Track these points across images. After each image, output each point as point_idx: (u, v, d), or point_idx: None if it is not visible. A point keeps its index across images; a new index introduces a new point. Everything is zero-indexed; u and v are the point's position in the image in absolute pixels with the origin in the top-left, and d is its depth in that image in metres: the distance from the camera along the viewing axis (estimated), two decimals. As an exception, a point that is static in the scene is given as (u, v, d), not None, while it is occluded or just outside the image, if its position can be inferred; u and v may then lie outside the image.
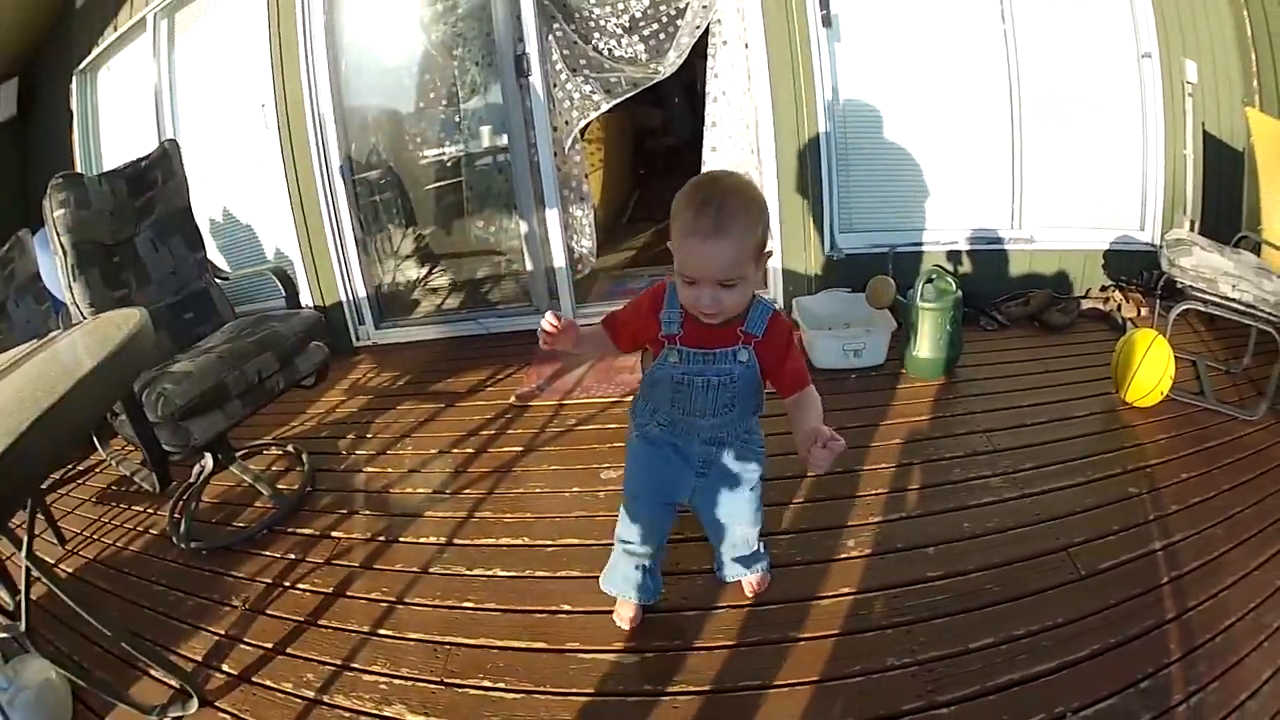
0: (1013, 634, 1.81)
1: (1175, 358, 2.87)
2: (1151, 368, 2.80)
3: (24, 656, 1.99)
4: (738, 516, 1.82)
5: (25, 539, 1.92)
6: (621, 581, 1.92)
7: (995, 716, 1.60)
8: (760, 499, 1.82)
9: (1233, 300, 2.81)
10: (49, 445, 1.33)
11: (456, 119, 4.57)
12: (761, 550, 1.98)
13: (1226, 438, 2.72)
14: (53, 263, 4.08)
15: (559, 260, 4.32)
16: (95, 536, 2.94)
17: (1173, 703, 1.60)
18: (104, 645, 2.16)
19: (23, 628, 2.00)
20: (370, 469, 3.09)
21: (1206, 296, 2.87)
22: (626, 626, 1.93)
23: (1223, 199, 3.99)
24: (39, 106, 5.50)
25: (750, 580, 1.98)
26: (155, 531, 2.88)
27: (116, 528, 2.98)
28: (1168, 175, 4.04)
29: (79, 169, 5.05)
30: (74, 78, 5.13)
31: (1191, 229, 3.77)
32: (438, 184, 4.80)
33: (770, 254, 1.50)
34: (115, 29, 4.89)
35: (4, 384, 1.77)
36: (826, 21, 3.81)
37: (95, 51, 5.02)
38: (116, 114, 5.15)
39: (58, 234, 2.82)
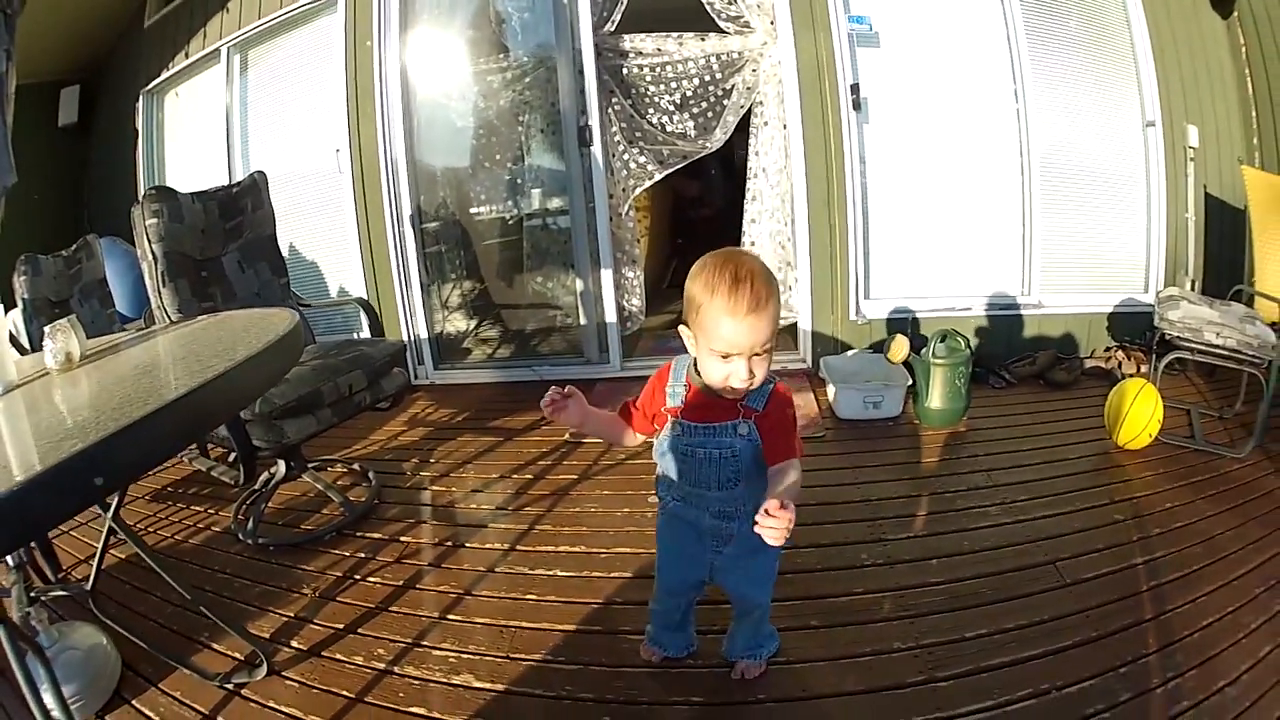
0: (1004, 626, 2.04)
1: (1171, 408, 3.12)
2: (1140, 411, 3.05)
3: (72, 622, 2.08)
4: (751, 587, 1.80)
5: (114, 500, 2.06)
6: (654, 630, 2.00)
7: (987, 691, 1.81)
8: (775, 571, 1.81)
9: (1216, 346, 3.07)
10: (225, 402, 1.40)
11: (519, 181, 4.84)
12: (768, 640, 1.97)
13: (1213, 473, 2.96)
14: (118, 272, 4.36)
15: (610, 316, 4.58)
16: (152, 530, 3.09)
17: (1151, 685, 1.80)
18: (160, 620, 2.32)
19: (89, 587, 2.12)
20: (435, 488, 3.27)
21: (1193, 345, 3.13)
22: (652, 660, 2.00)
23: (1224, 257, 4.23)
24: (99, 118, 5.79)
25: (745, 665, 1.93)
26: (217, 529, 3.04)
27: (175, 524, 3.13)
28: (1170, 239, 4.31)
29: (141, 186, 5.26)
30: (140, 97, 5.42)
31: (1192, 288, 4.02)
32: (499, 239, 5.02)
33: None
34: (187, 55, 5.23)
35: (148, 345, 1.95)
36: (856, 105, 4.16)
37: (165, 75, 5.34)
38: (183, 137, 5.44)
39: (149, 241, 2.97)
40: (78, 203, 5.96)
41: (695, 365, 1.57)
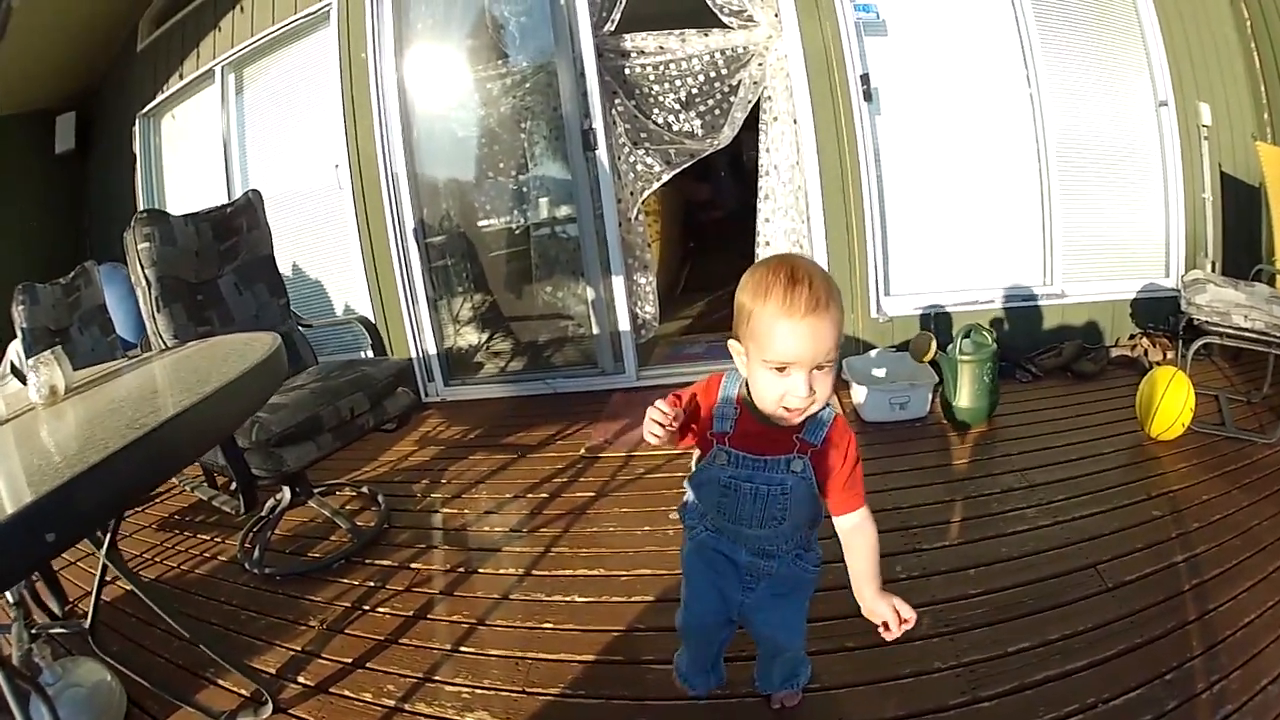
0: (1047, 638, 1.96)
1: (1198, 394, 3.04)
2: (1172, 401, 2.98)
3: (77, 657, 2.06)
4: (782, 632, 1.66)
5: (106, 537, 2.01)
6: (684, 666, 1.86)
7: (1033, 709, 1.74)
8: (806, 615, 1.68)
9: (1246, 330, 3.01)
10: (192, 437, 1.34)
11: (524, 189, 4.79)
12: (802, 666, 1.82)
13: (1246, 461, 2.89)
14: (119, 297, 4.36)
15: (624, 325, 4.51)
16: (158, 560, 3.06)
17: (1197, 690, 1.74)
18: (166, 655, 2.27)
19: (87, 624, 2.08)
20: (446, 510, 3.22)
21: (1222, 329, 3.07)
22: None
23: (1242, 236, 4.17)
24: (97, 143, 5.77)
25: (783, 695, 1.83)
26: (223, 559, 2.99)
27: (180, 553, 3.10)
28: (1188, 220, 4.23)
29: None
30: (137, 121, 5.41)
31: (1212, 269, 3.95)
32: (506, 250, 4.97)
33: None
34: (181, 77, 5.21)
35: (134, 375, 1.91)
36: (867, 96, 4.10)
37: (160, 97, 5.32)
38: (181, 160, 5.43)
39: (141, 266, 2.93)
40: (78, 230, 5.96)
41: (747, 386, 1.41)
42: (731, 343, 1.41)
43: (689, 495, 1.61)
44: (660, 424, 1.36)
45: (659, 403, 1.37)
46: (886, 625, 1.34)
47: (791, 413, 1.34)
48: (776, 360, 1.28)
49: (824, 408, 1.40)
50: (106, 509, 1.19)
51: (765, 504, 1.44)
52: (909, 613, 1.34)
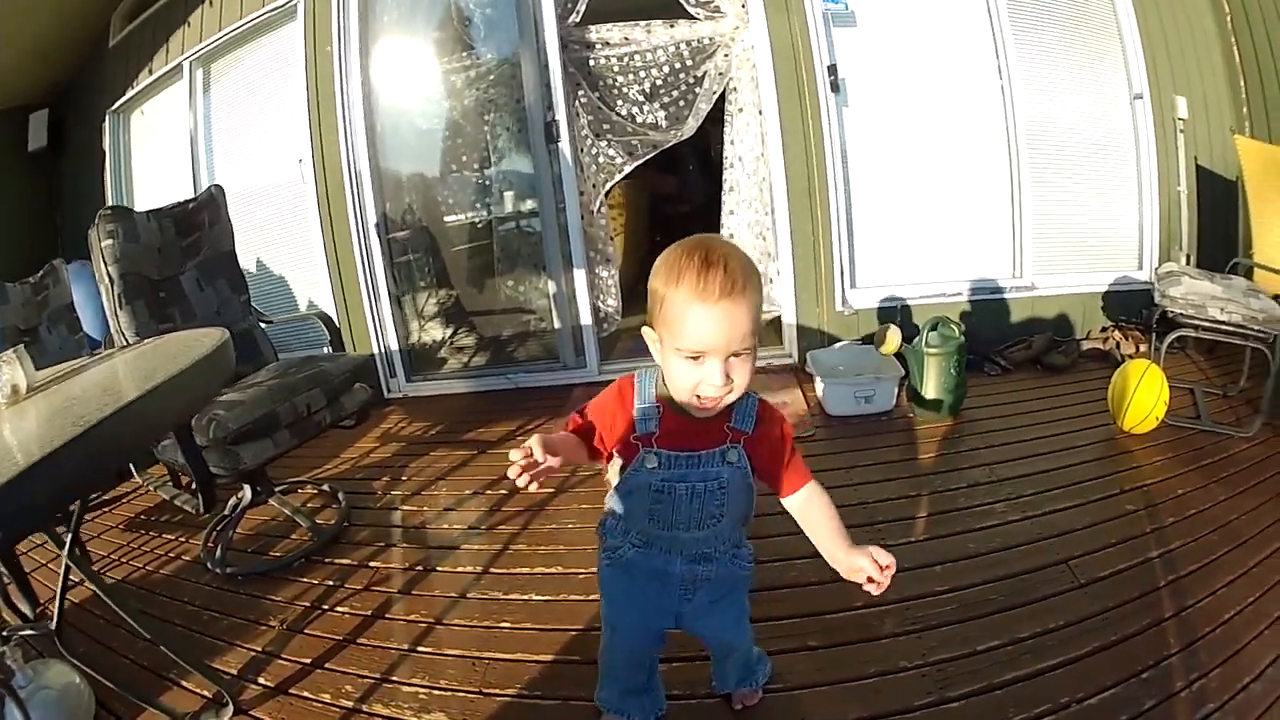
0: (1017, 636, 1.91)
1: (1174, 388, 3.00)
2: (1146, 394, 2.93)
3: (47, 659, 2.03)
4: (730, 634, 1.62)
5: (68, 538, 1.97)
6: (610, 696, 1.72)
7: (1003, 709, 1.69)
8: (748, 606, 1.63)
9: (1222, 322, 2.97)
10: (135, 432, 1.37)
11: (487, 182, 4.72)
12: (758, 664, 1.77)
13: (1223, 455, 2.85)
14: (87, 295, 4.30)
15: (586, 319, 4.46)
16: (124, 560, 3.01)
17: (1175, 689, 1.69)
18: (131, 656, 2.22)
19: (53, 626, 2.05)
20: (406, 507, 3.16)
21: (1197, 322, 3.02)
22: None
23: (1218, 230, 4.15)
24: (69, 140, 5.67)
25: (742, 693, 1.77)
26: (187, 558, 2.94)
27: (146, 553, 3.04)
28: (1162, 213, 4.23)
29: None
30: (106, 117, 5.33)
31: (1187, 262, 3.94)
32: (469, 244, 4.92)
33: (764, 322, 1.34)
34: (150, 72, 5.12)
35: (93, 373, 1.90)
36: (835, 87, 4.04)
37: (130, 93, 5.24)
38: (149, 156, 5.34)
39: (105, 263, 2.90)
40: (49, 228, 5.85)
41: (664, 379, 1.32)
42: (645, 330, 1.32)
43: (612, 508, 1.48)
44: (520, 465, 1.21)
45: (528, 443, 1.23)
46: (871, 579, 1.28)
47: (704, 402, 1.25)
48: (690, 348, 1.20)
49: (747, 393, 1.32)
50: (55, 502, 1.21)
51: (702, 503, 1.37)
52: (887, 558, 1.28)
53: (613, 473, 1.45)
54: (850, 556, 1.31)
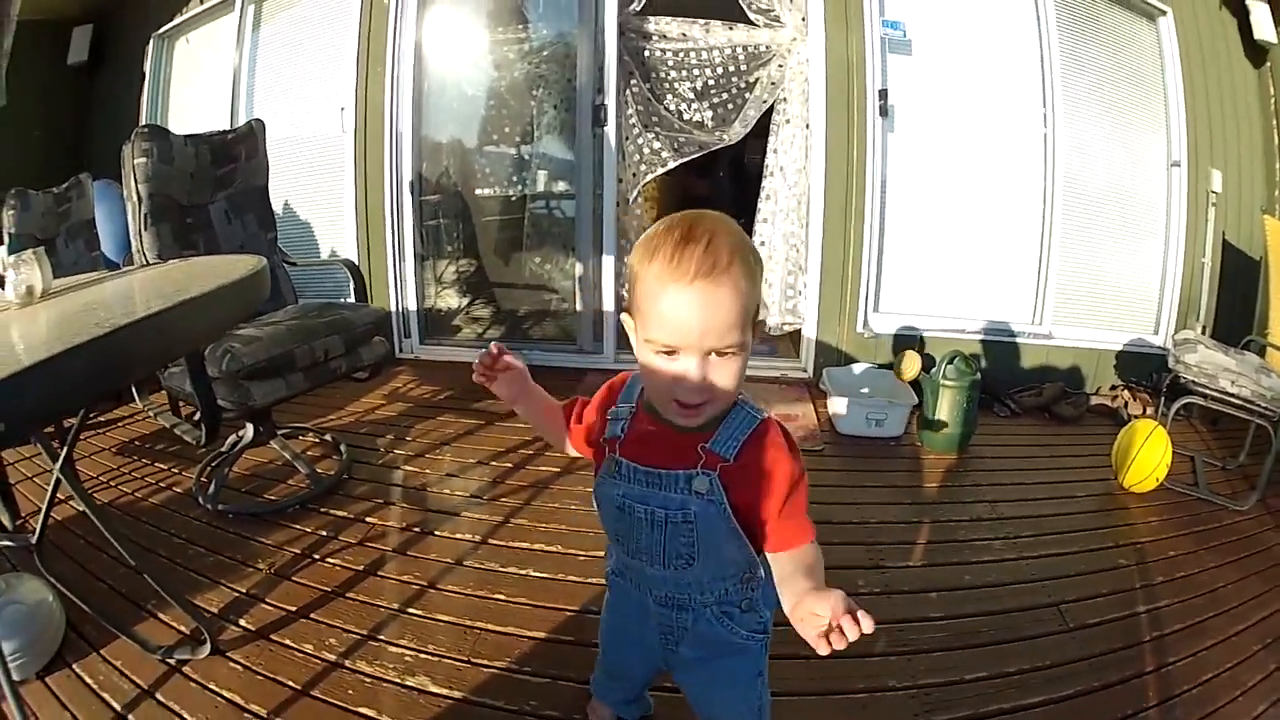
0: (1005, 670, 1.94)
1: (1176, 454, 3.03)
2: (1150, 454, 2.97)
3: (21, 574, 2.01)
4: (716, 711, 1.33)
5: (63, 451, 1.94)
6: (603, 689, 1.59)
7: None
8: (763, 698, 1.32)
9: (1231, 395, 3.01)
10: (156, 345, 1.29)
11: (526, 157, 4.71)
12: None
13: (1216, 524, 2.89)
14: (109, 214, 4.28)
15: (609, 305, 4.47)
16: (113, 484, 2.98)
17: None
18: (110, 582, 2.21)
19: (34, 540, 2.00)
20: (408, 468, 3.13)
21: (1207, 391, 3.06)
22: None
23: (1235, 306, 4.19)
24: (109, 59, 5.68)
25: None
26: (179, 490, 2.91)
27: (137, 480, 3.02)
28: (1184, 281, 4.26)
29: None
30: (151, 40, 5.31)
31: (1202, 333, 3.94)
32: (500, 216, 4.91)
33: (763, 324, 1.05)
34: (201, 2, 5.11)
35: (113, 284, 1.87)
36: (884, 111, 4.05)
37: (177, 20, 5.23)
38: (189, 85, 5.33)
39: (135, 181, 2.87)
40: (80, 142, 5.84)
41: None
42: (623, 316, 1.11)
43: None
44: (483, 363, 1.19)
45: (493, 345, 1.20)
46: (829, 632, 0.89)
47: (686, 410, 1.03)
48: (661, 339, 0.99)
49: (744, 408, 1.09)
50: (66, 401, 1.14)
51: (665, 536, 1.11)
52: (868, 622, 0.87)
53: None
54: (815, 597, 0.93)
